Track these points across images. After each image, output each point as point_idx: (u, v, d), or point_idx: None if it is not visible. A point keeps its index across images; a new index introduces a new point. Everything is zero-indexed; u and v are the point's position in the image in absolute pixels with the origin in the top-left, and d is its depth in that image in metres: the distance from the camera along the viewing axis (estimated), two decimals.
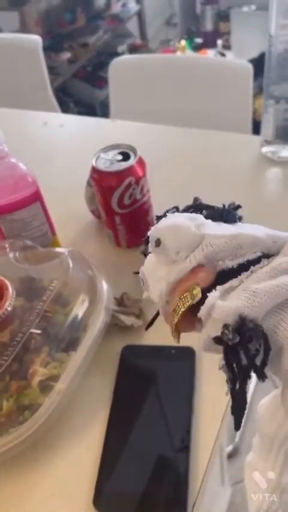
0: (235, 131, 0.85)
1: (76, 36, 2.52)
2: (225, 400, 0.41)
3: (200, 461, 0.42)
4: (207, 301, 0.24)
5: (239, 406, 0.23)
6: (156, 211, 0.63)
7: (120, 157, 0.57)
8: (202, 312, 0.24)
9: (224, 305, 0.23)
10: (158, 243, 0.26)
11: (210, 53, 2.40)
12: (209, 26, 2.49)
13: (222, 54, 2.34)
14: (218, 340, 0.22)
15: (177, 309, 0.25)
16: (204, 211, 0.28)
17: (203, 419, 0.45)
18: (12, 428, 0.42)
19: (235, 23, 2.24)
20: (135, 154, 0.57)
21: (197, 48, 2.50)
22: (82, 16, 2.60)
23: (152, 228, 0.27)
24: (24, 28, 2.02)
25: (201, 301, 0.24)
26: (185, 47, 2.40)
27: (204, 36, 2.53)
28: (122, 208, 0.58)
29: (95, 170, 0.57)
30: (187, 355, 0.49)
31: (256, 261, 0.24)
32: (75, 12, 2.59)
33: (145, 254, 0.28)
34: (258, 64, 1.25)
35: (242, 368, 0.22)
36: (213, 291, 0.24)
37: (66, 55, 2.41)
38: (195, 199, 0.30)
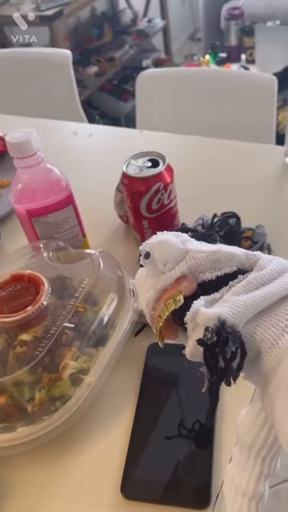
0: (259, 143, 0.87)
1: (103, 51, 2.59)
2: (249, 397, 0.43)
3: (223, 454, 0.43)
4: (192, 307, 0.27)
5: (212, 403, 0.26)
6: (181, 219, 0.65)
7: (149, 164, 0.60)
8: (188, 317, 0.27)
9: (206, 311, 0.26)
10: (147, 255, 0.30)
11: (234, 67, 2.42)
12: (233, 40, 2.53)
13: (246, 69, 2.36)
14: (199, 342, 0.25)
15: (162, 314, 0.28)
16: (189, 233, 0.32)
17: (226, 412, 0.46)
18: (45, 416, 0.44)
19: (259, 38, 2.26)
20: (164, 161, 0.60)
21: (221, 62, 2.53)
22: (109, 31, 2.68)
23: (143, 243, 0.31)
24: (53, 43, 2.09)
25: (184, 311, 0.27)
26: (209, 61, 2.44)
27: (228, 51, 2.56)
28: (150, 213, 0.61)
29: (125, 176, 0.59)
30: None
31: (233, 276, 0.28)
32: (103, 27, 2.67)
33: (141, 265, 0.32)
34: (282, 77, 1.28)
35: (218, 369, 0.25)
36: (198, 299, 0.27)
37: (93, 69, 2.48)
38: (182, 224, 0.35)
